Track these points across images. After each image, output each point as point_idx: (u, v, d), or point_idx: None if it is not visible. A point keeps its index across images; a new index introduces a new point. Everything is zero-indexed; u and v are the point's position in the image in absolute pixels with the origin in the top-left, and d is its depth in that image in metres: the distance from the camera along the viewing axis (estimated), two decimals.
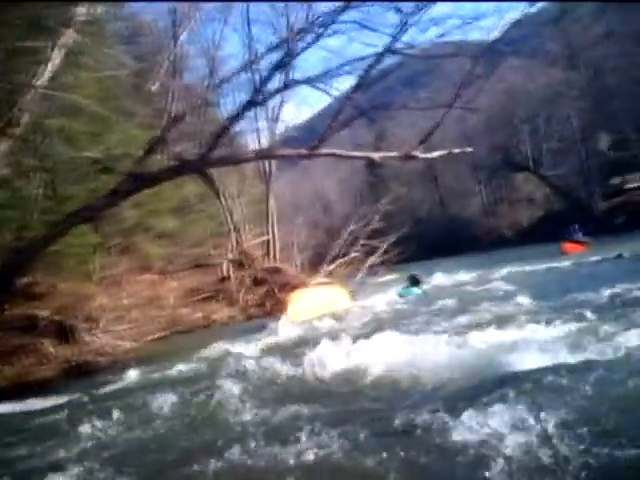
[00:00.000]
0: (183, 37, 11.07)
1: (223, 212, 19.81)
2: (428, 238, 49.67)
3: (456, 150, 10.56)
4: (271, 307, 17.42)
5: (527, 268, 18.78)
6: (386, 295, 16.69)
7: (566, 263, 18.35)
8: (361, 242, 21.01)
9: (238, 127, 14.58)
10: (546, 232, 42.31)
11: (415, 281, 16.76)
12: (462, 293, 14.22)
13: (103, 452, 4.72)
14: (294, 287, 17.60)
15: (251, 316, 17.44)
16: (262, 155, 11.60)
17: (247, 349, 9.74)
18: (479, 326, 6.61)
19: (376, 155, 10.00)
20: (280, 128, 21.99)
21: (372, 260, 21.09)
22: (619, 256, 16.39)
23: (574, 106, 49.54)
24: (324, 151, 9.64)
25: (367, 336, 8.08)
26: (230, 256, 18.82)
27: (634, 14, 41.70)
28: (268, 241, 20.54)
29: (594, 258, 17.96)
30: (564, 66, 50.19)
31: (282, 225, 24.36)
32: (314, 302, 14.58)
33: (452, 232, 56.96)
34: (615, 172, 45.82)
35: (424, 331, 7.63)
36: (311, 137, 11.38)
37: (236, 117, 10.22)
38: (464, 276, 19.69)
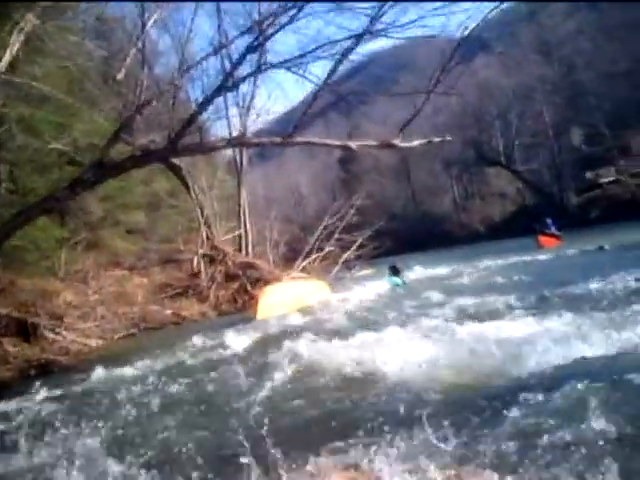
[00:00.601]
0: (151, 23, 10.51)
1: (194, 206, 19.22)
2: (402, 233, 49.68)
3: (436, 139, 10.20)
4: (243, 303, 16.96)
5: (505, 261, 18.61)
6: (364, 288, 16.42)
7: (546, 256, 18.19)
8: (336, 236, 20.65)
9: (209, 115, 13.89)
10: (519, 227, 42.62)
11: (395, 271, 16.89)
12: (445, 285, 13.94)
13: (64, 457, 4.29)
14: (268, 282, 17.17)
15: (223, 312, 16.93)
16: (234, 143, 10.99)
17: (218, 347, 9.34)
18: (472, 319, 6.27)
19: (353, 143, 9.56)
20: (253, 117, 21.06)
21: (347, 255, 20.75)
22: (600, 248, 16.27)
23: (547, 101, 49.88)
24: (299, 139, 9.23)
25: (349, 330, 7.76)
26: (201, 251, 18.23)
27: (606, 10, 42.06)
28: (240, 236, 19.98)
29: (574, 251, 17.83)
30: (537, 61, 50.42)
31: (255, 220, 23.92)
32: (288, 296, 14.10)
33: (425, 227, 57.17)
34: (588, 167, 46.23)
35: (410, 323, 7.28)
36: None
37: (205, 103, 9.67)
38: (443, 269, 19.57)
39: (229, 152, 22.88)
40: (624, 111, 41.64)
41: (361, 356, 5.80)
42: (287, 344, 7.41)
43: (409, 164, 67.21)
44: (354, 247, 20.83)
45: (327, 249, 20.40)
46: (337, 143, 10.04)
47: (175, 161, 18.48)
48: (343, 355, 6.18)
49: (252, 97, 21.10)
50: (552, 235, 26.88)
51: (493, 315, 7.00)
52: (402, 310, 9.83)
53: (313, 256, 20.08)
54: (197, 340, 10.15)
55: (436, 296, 10.85)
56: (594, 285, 8.26)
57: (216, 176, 21.86)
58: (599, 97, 42.10)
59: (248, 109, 20.45)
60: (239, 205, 20.34)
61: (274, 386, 5.60)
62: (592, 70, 43.68)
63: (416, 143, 9.64)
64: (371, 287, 16.41)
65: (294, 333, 8.67)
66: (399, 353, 5.41)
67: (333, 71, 8.78)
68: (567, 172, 47.16)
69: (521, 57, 50.64)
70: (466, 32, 8.83)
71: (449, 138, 10.08)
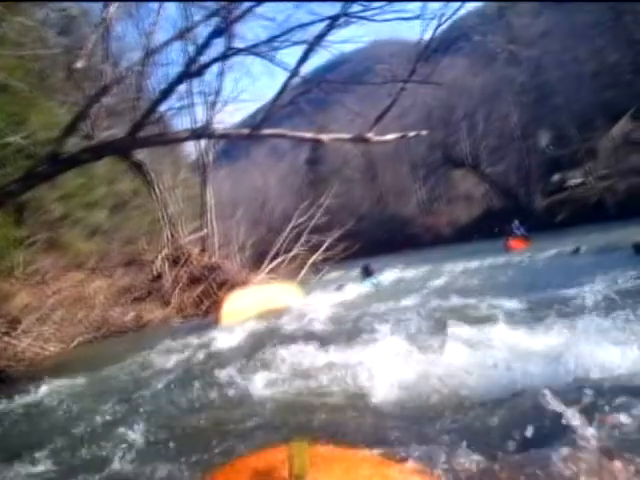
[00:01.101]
0: (114, 9, 9.86)
1: (157, 205, 18.48)
2: (368, 235, 49.39)
3: (412, 133, 9.76)
4: (209, 307, 16.31)
5: (479, 263, 18.28)
6: (336, 291, 15.92)
7: (520, 258, 17.97)
8: (304, 238, 20.19)
9: (173, 105, 13.10)
10: (485, 229, 42.76)
11: (368, 272, 16.61)
12: (420, 288, 13.61)
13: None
14: (234, 285, 16.62)
15: (187, 316, 16.26)
16: (198, 134, 10.24)
17: (181, 354, 8.80)
18: (456, 324, 5.81)
19: (325, 137, 9.05)
20: (221, 108, 19.85)
21: (316, 256, 20.33)
22: (576, 251, 16.06)
23: (514, 102, 50.12)
24: (267, 131, 8.68)
25: (323, 337, 7.29)
26: (164, 252, 17.50)
27: (574, 11, 42.46)
28: (205, 236, 19.21)
29: (548, 253, 17.58)
30: (505, 62, 50.70)
31: (221, 221, 23.36)
32: (255, 301, 13.50)
33: (391, 229, 57.07)
34: (555, 169, 46.47)
35: (390, 329, 6.81)
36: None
37: (167, 91, 9.07)
38: (414, 272, 19.34)
39: (194, 150, 22.13)
40: (592, 113, 42.01)
41: (338, 367, 5.30)
42: (255, 353, 7.00)
43: (376, 166, 67.19)
44: (323, 248, 20.40)
45: (295, 251, 19.91)
46: (308, 136, 9.45)
47: (138, 157, 17.79)
48: (315, 364, 5.76)
49: (219, 87, 19.58)
50: (520, 238, 26.93)
51: (481, 320, 6.56)
52: (380, 315, 9.33)
53: (281, 258, 19.57)
54: (159, 347, 9.57)
55: (413, 299, 10.42)
56: (584, 288, 7.88)
57: (180, 174, 21.12)
58: (567, 98, 42.38)
59: (214, 101, 18.91)
60: (204, 204, 19.53)
61: (237, 399, 5.21)
62: (560, 71, 43.95)
63: (390, 137, 9.17)
64: (343, 290, 15.89)
65: (263, 341, 8.26)
66: (382, 364, 4.90)
67: (304, 58, 8.27)
68: (534, 174, 47.37)
69: (489, 57, 50.85)
70: (443, 19, 8.41)
71: (424, 132, 9.61)
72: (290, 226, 20.51)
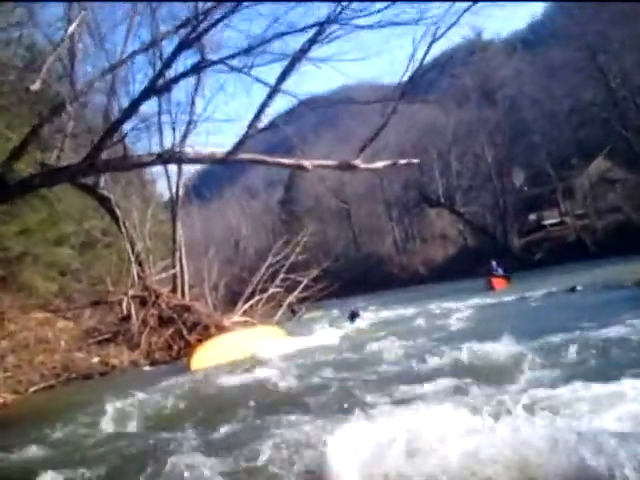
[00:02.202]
0: (75, 25, 9.02)
1: (125, 242, 17.36)
2: (343, 275, 48.69)
3: (402, 161, 8.94)
4: (179, 350, 15.09)
5: (465, 303, 17.48)
6: (319, 333, 15.01)
7: (510, 298, 17.23)
8: (280, 277, 19.26)
9: (138, 126, 12.01)
10: (460, 269, 42.45)
11: (354, 315, 17.03)
12: (409, 330, 12.78)
13: None
14: (206, 327, 15.52)
15: (156, 361, 15.00)
16: (165, 158, 9.19)
17: (149, 403, 7.76)
18: (458, 376, 4.94)
19: (309, 162, 8.16)
20: (192, 129, 17.19)
21: (293, 296, 19.40)
22: (573, 289, 15.39)
23: (488, 142, 50.32)
24: (244, 156, 7.81)
25: (306, 390, 6.37)
26: (131, 292, 16.31)
27: (547, 50, 43.00)
28: (175, 275, 18.04)
29: (541, 292, 16.81)
30: (478, 102, 50.97)
31: (193, 261, 22.33)
32: (232, 345, 12.51)
33: (366, 269, 56.58)
34: (532, 208, 46.58)
35: (382, 383, 5.94)
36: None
37: (131, 109, 8.15)
38: (395, 312, 18.65)
39: (167, 188, 20.96)
40: (567, 151, 42.26)
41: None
42: (232, 406, 6.39)
43: (350, 206, 67.07)
44: (300, 288, 19.46)
45: (271, 290, 18.91)
46: (289, 162, 8.52)
47: (104, 192, 16.81)
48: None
49: (192, 106, 16.44)
50: (501, 277, 26.44)
51: (494, 371, 5.68)
52: (366, 365, 8.37)
53: (256, 298, 18.53)
54: (125, 395, 8.46)
55: (404, 344, 9.45)
56: (592, 331, 7.06)
57: (149, 210, 20.06)
58: (543, 137, 42.54)
59: (189, 122, 15.48)
60: (174, 241, 18.34)
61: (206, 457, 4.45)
62: (535, 109, 44.18)
63: (379, 165, 8.36)
64: (326, 331, 15.02)
65: (245, 391, 7.43)
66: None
67: (287, 72, 7.45)
68: (510, 213, 47.33)
69: (462, 97, 51.12)
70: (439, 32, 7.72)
71: (416, 160, 8.77)
72: (266, 265, 19.56)
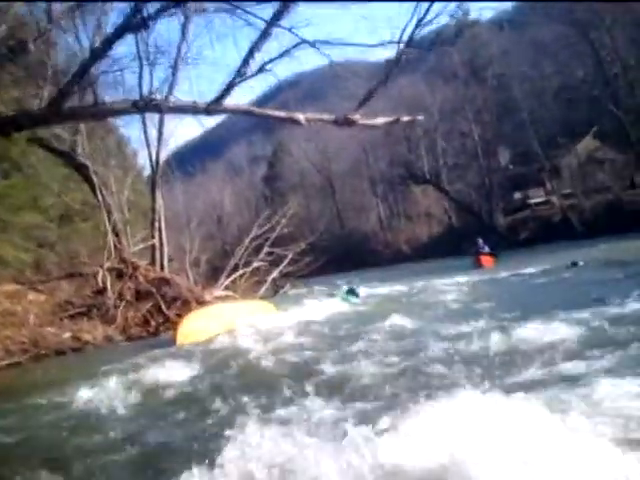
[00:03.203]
0: None
1: (100, 210, 16.46)
2: (327, 252, 48.05)
3: (405, 117, 8.12)
4: (157, 326, 14.37)
5: (463, 279, 17.00)
6: (310, 307, 14.27)
7: (507, 274, 16.80)
8: (265, 251, 18.53)
9: (111, 69, 10.69)
10: (445, 247, 42.12)
11: (351, 290, 16.20)
12: (415, 304, 12.28)
13: None
14: (186, 302, 14.79)
15: (132, 337, 14.21)
16: (141, 106, 8.17)
17: (125, 382, 7.07)
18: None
19: (303, 116, 7.33)
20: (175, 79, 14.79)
21: (278, 271, 18.71)
22: (574, 264, 14.85)
23: (475, 120, 49.76)
24: (230, 106, 6.95)
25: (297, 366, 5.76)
26: (107, 264, 15.47)
27: (537, 27, 42.34)
28: (154, 247, 17.14)
29: (537, 269, 16.24)
30: (466, 79, 50.19)
31: (174, 235, 21.55)
32: (220, 319, 11.68)
33: (351, 246, 56.05)
34: (518, 187, 46.32)
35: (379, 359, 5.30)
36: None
37: (102, 49, 7.26)
38: (391, 288, 17.99)
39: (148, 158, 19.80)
40: (555, 130, 41.78)
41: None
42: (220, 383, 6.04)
43: (334, 182, 66.32)
44: (285, 262, 18.74)
45: (255, 264, 18.18)
46: (281, 114, 7.58)
47: (80, 159, 15.89)
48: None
49: (178, 51, 13.40)
50: (489, 254, 26.07)
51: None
52: (368, 340, 7.73)
53: (239, 272, 17.79)
54: (99, 373, 7.73)
55: (403, 321, 8.77)
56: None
57: (128, 178, 19.11)
58: (531, 115, 41.88)
59: (171, 67, 12.89)
60: (153, 210, 17.42)
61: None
62: (524, 87, 43.52)
63: (380, 121, 7.54)
64: (317, 306, 14.29)
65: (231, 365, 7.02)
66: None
67: (282, 10, 6.62)
68: (496, 192, 46.92)
69: (449, 74, 50.35)
70: None
71: (420, 117, 7.91)
72: (250, 237, 18.80)
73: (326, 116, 7.19)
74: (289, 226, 21.10)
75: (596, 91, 36.06)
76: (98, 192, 16.23)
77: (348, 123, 7.05)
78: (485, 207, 47.61)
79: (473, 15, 54.99)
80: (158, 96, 7.85)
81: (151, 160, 17.96)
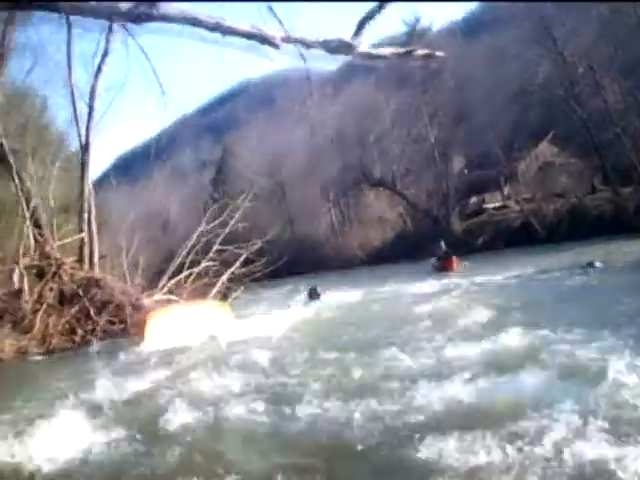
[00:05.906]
0: None
1: (18, 198, 13.89)
2: (276, 258, 46.30)
3: (421, 50, 6.05)
4: (84, 335, 12.02)
5: (432, 284, 15.91)
6: (268, 313, 13.43)
7: (510, 273, 15.19)
8: (215, 248, 16.36)
9: None
10: (399, 253, 40.98)
11: (313, 294, 16.28)
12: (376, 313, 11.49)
13: None
14: (120, 306, 12.52)
15: (53, 349, 11.81)
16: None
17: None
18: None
19: (278, 35, 5.11)
20: None
21: (227, 274, 16.52)
22: (590, 265, 13.24)
23: (431, 124, 48.84)
24: (170, 11, 4.60)
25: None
26: (25, 261, 12.94)
27: (498, 29, 41.78)
28: (83, 242, 14.49)
29: (553, 270, 14.57)
30: (422, 83, 49.07)
31: (111, 235, 19.21)
32: (183, 322, 10.45)
33: (302, 252, 54.31)
34: (474, 191, 45.76)
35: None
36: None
37: None
38: (353, 294, 16.85)
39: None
40: (513, 134, 41.11)
41: None
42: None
43: (284, 187, 64.69)
44: (238, 263, 16.59)
45: (204, 264, 15.96)
46: (247, 29, 5.03)
47: None
48: None
49: None
50: (453, 258, 24.63)
51: None
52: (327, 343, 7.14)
53: (185, 273, 15.54)
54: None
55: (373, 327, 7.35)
56: None
57: (57, 163, 16.52)
58: (488, 119, 40.99)
59: None
60: (81, 195, 14.82)
61: None
62: (482, 91, 42.67)
63: (387, 51, 5.49)
64: (274, 312, 13.38)
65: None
66: None
67: None
68: (452, 196, 45.93)
69: (405, 77, 49.20)
70: None
71: (440, 53, 6.01)
72: (197, 232, 16.59)
73: (317, 39, 5.04)
74: (238, 232, 19.18)
75: (561, 91, 35.20)
76: (15, 175, 13.67)
77: (346, 49, 4.95)
78: (442, 212, 46.55)
79: (424, 23, 54.57)
80: None
81: (80, 139, 15.38)
